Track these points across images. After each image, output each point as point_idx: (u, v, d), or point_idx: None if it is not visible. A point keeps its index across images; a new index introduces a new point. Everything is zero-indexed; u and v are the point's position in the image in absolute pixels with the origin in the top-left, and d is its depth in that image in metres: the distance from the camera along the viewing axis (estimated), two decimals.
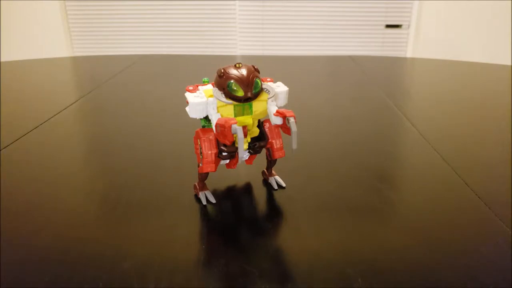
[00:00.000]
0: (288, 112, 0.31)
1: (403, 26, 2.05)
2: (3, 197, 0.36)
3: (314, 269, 0.27)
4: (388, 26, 2.05)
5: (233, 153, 0.33)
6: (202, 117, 0.33)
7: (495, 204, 0.35)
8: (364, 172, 0.41)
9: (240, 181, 0.38)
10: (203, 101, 0.32)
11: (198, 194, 0.35)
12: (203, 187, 0.36)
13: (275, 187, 0.37)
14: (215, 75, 0.32)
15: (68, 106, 0.64)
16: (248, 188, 0.38)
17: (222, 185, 0.38)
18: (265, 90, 0.33)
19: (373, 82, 0.81)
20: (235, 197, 0.36)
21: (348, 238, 0.30)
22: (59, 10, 2.00)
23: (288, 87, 0.35)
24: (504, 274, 0.26)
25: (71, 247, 0.29)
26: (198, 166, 0.34)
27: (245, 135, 0.33)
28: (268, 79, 0.35)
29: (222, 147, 0.32)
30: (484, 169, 0.42)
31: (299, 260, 0.28)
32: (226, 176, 0.39)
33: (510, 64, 1.06)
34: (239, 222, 0.32)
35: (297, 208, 0.34)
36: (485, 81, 0.87)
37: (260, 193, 0.37)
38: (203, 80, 0.34)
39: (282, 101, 0.34)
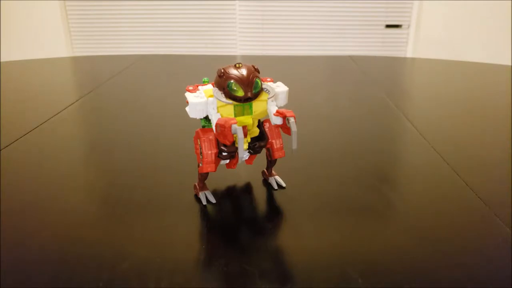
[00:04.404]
0: (288, 112, 0.31)
1: (403, 26, 2.05)
2: (3, 197, 0.36)
3: (314, 269, 0.27)
4: (388, 26, 2.05)
5: (233, 153, 0.33)
6: (202, 117, 0.33)
7: (495, 204, 0.35)
8: (364, 172, 0.41)
9: (240, 181, 0.38)
10: (203, 101, 0.32)
11: (198, 194, 0.35)
12: (203, 187, 0.36)
13: (275, 187, 0.37)
14: (215, 75, 0.32)
15: (68, 106, 0.64)
16: (248, 188, 0.38)
17: (222, 185, 0.38)
18: (265, 90, 0.33)
19: (373, 82, 0.81)
20: (235, 197, 0.36)
21: (348, 238, 0.30)
22: (59, 10, 2.00)
23: (288, 87, 0.35)
24: (504, 274, 0.26)
25: (71, 247, 0.29)
26: (198, 166, 0.34)
27: (245, 135, 0.33)
28: (268, 79, 0.35)
29: (222, 147, 0.32)
30: (484, 169, 0.42)
31: (299, 260, 0.28)
32: (226, 176, 0.39)
33: (510, 64, 1.06)
34: (239, 222, 0.32)
35: (297, 208, 0.34)
36: (485, 81, 0.87)
37: (260, 193, 0.37)
38: (203, 80, 0.34)
39: (282, 101, 0.34)
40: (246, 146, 0.33)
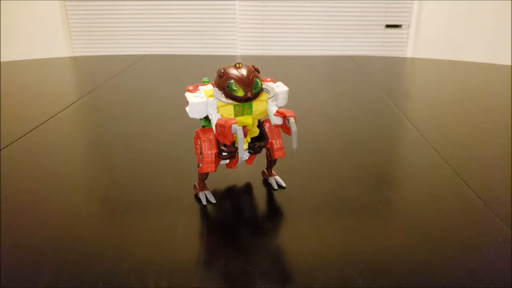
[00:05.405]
0: (288, 112, 0.31)
1: (403, 26, 2.05)
2: (3, 197, 0.36)
3: (314, 269, 0.27)
4: (388, 26, 2.05)
5: (233, 153, 0.33)
6: (202, 117, 0.33)
7: (495, 204, 0.35)
8: (364, 172, 0.41)
9: (240, 181, 0.38)
10: (203, 101, 0.32)
11: (198, 194, 0.35)
12: (203, 187, 0.36)
13: (275, 187, 0.37)
14: (215, 75, 0.32)
15: (68, 106, 0.64)
16: (248, 188, 0.38)
17: (222, 185, 0.38)
18: (265, 90, 0.33)
19: (373, 82, 0.81)
20: (235, 197, 0.36)
21: (348, 238, 0.30)
22: (59, 10, 2.00)
23: (288, 87, 0.35)
24: (504, 274, 0.26)
25: (71, 247, 0.29)
26: (198, 166, 0.34)
27: (245, 135, 0.33)
28: (268, 79, 0.35)
29: (222, 147, 0.32)
30: (484, 169, 0.42)
31: (299, 260, 0.28)
32: (226, 176, 0.39)
33: (510, 64, 1.06)
34: (239, 222, 0.32)
35: (297, 208, 0.34)
36: (485, 81, 0.87)
37: (260, 193, 0.37)
38: (203, 80, 0.34)
39: (282, 101, 0.34)
40: (246, 146, 0.33)
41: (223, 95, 0.31)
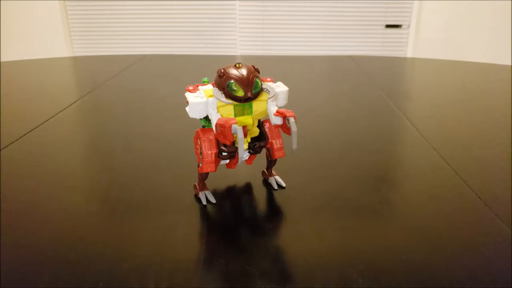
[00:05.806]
0: (288, 112, 0.31)
1: (403, 26, 2.05)
2: (3, 197, 0.36)
3: (314, 269, 0.27)
4: (388, 26, 2.05)
5: (233, 153, 0.33)
6: (202, 117, 0.33)
7: (495, 204, 0.35)
8: (364, 172, 0.41)
9: (240, 181, 0.38)
10: (203, 101, 0.32)
11: (198, 194, 0.35)
12: (203, 187, 0.36)
13: (275, 187, 0.37)
14: (215, 75, 0.32)
15: (68, 106, 0.64)
16: (248, 188, 0.38)
17: (222, 185, 0.38)
18: (265, 90, 0.33)
19: (373, 82, 0.81)
20: (235, 197, 0.36)
21: (348, 238, 0.30)
22: (59, 10, 2.00)
23: (288, 87, 0.35)
24: (504, 274, 0.26)
25: (71, 247, 0.29)
26: (198, 166, 0.34)
27: (245, 135, 0.33)
28: (268, 79, 0.35)
29: (222, 147, 0.32)
30: (484, 169, 0.42)
31: (299, 260, 0.28)
32: (226, 176, 0.39)
33: (510, 64, 1.06)
34: (239, 222, 0.32)
35: (297, 208, 0.34)
36: (485, 81, 0.87)
37: (260, 193, 0.37)
38: (203, 80, 0.34)
39: (282, 101, 0.34)
40: (246, 146, 0.33)
41: (223, 95, 0.31)
